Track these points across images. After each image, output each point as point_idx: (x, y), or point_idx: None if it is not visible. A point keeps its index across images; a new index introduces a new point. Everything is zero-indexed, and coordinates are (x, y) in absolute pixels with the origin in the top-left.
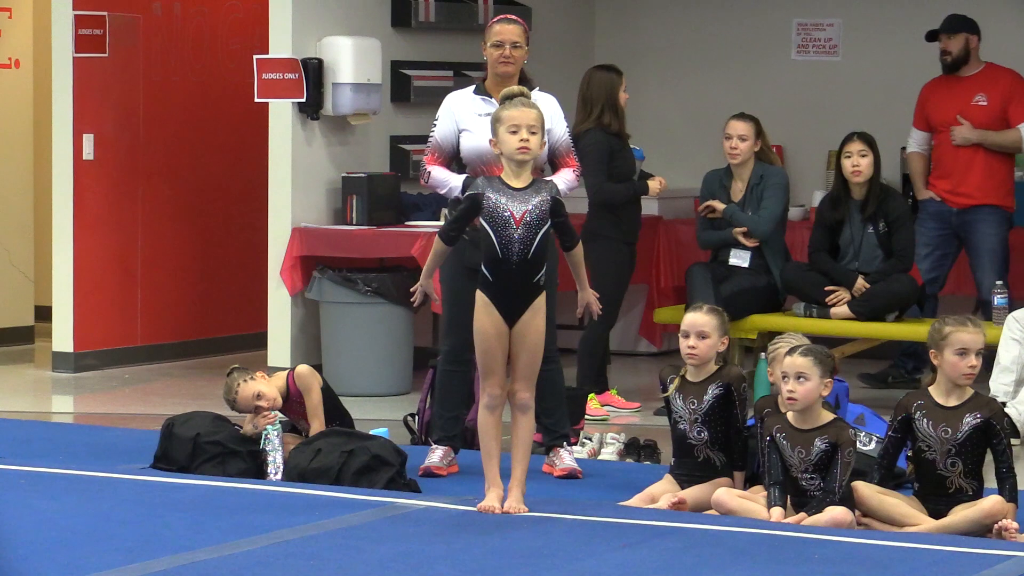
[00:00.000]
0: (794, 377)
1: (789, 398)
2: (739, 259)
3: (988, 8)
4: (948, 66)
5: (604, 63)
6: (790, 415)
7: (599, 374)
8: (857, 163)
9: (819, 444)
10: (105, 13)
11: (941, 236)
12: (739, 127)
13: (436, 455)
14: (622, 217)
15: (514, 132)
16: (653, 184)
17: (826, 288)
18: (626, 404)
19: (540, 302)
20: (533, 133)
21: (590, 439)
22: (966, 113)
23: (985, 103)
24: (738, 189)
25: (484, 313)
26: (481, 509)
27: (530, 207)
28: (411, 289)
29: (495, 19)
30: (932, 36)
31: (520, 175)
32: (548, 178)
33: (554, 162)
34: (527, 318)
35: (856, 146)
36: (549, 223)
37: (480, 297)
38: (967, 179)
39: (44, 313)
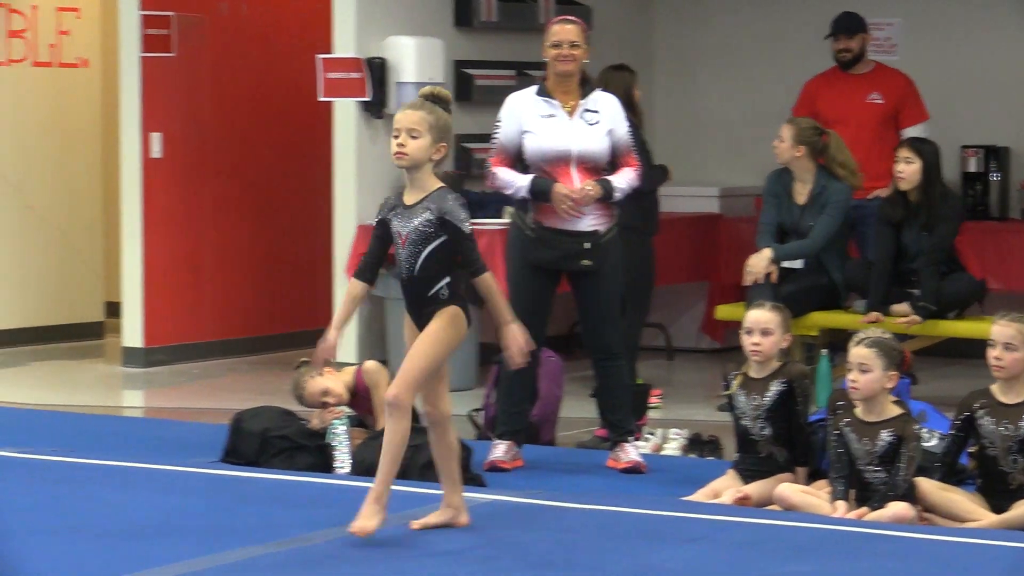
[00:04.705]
0: (857, 367)
1: (851, 387)
2: (793, 263)
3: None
4: (846, 64)
5: (617, 63)
6: (858, 408)
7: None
8: (902, 169)
9: (885, 437)
10: (172, 13)
11: None
12: (783, 128)
13: (500, 449)
14: (646, 209)
15: (395, 136)
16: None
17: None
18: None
19: (442, 311)
20: (414, 136)
21: (653, 434)
22: (861, 110)
23: (881, 101)
24: (800, 192)
25: (405, 325)
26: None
27: (411, 227)
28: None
29: (554, 20)
30: (834, 33)
31: (412, 186)
32: (445, 192)
33: (616, 161)
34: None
35: (903, 152)
36: (440, 239)
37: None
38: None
39: (114, 309)
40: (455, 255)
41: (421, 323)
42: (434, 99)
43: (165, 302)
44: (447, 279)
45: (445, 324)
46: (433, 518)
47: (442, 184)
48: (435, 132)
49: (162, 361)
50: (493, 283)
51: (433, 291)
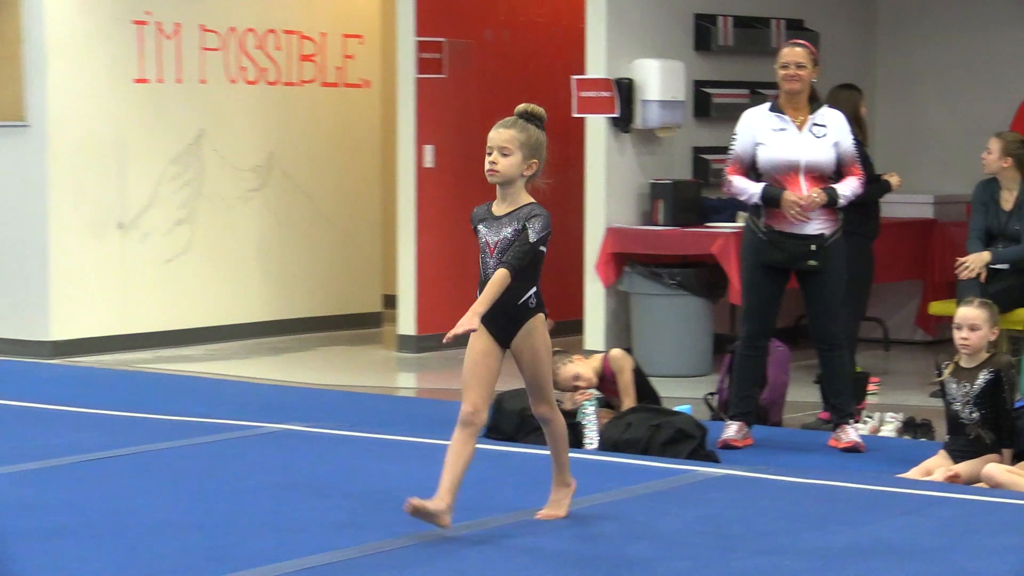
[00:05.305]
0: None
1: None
2: (999, 264)
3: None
4: None
5: (845, 83)
6: None
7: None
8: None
9: None
10: (443, 39)
11: None
12: (991, 141)
13: (732, 429)
14: (868, 216)
15: (488, 154)
16: (895, 179)
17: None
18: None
19: (533, 323)
20: (505, 155)
21: (872, 417)
22: None
23: None
24: (1006, 199)
25: (473, 337)
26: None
27: (501, 237)
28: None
29: (784, 43)
30: None
31: (504, 200)
32: (535, 207)
33: (841, 171)
34: (520, 339)
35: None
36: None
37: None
38: None
39: (390, 301)
40: (540, 265)
41: (506, 330)
42: (527, 117)
43: (435, 295)
44: (534, 288)
45: (545, 336)
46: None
47: (533, 200)
48: (526, 149)
49: (432, 347)
50: (502, 281)
51: (522, 300)
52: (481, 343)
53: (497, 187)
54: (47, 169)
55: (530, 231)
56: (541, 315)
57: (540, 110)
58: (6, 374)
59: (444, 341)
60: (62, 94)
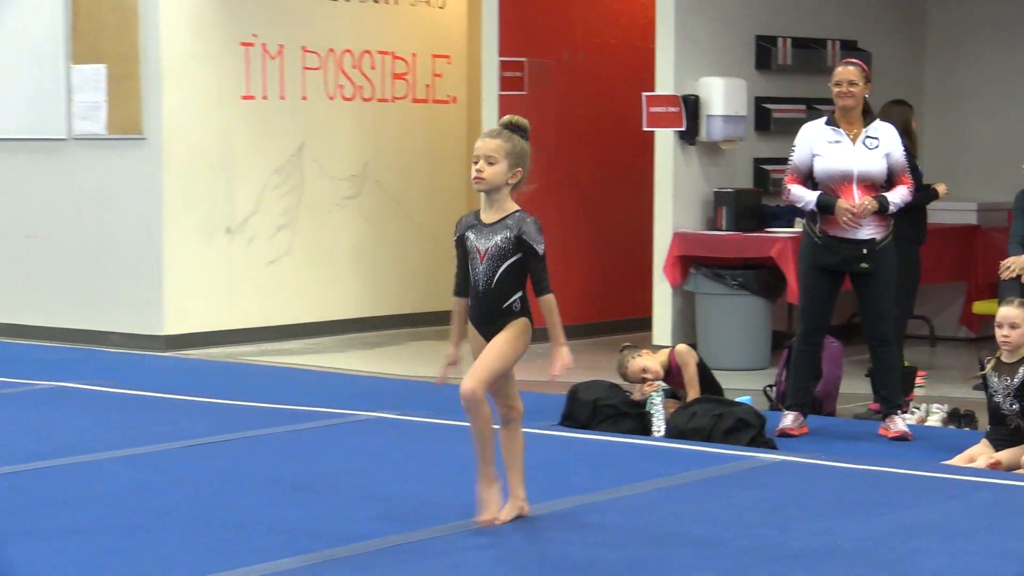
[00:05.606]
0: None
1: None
2: None
3: None
4: None
5: (896, 98)
6: None
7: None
8: None
9: None
10: (524, 59)
11: None
12: None
13: (789, 418)
14: (916, 222)
15: (475, 162)
16: (942, 188)
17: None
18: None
19: (514, 322)
20: (491, 163)
21: (919, 408)
22: None
23: None
24: None
25: (471, 336)
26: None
27: (492, 244)
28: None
29: (838, 62)
30: None
31: (491, 207)
32: (524, 215)
33: (892, 180)
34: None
35: None
36: (516, 256)
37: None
38: None
39: None
40: (527, 272)
41: (491, 332)
42: (513, 127)
43: None
44: (520, 293)
45: (518, 333)
46: (504, 513)
47: (519, 208)
48: (511, 158)
49: None
50: (554, 305)
51: (507, 304)
52: (475, 348)
53: (483, 195)
54: (162, 178)
55: (535, 246)
56: (524, 320)
57: (524, 121)
58: (124, 365)
59: (439, 383)
60: (176, 110)
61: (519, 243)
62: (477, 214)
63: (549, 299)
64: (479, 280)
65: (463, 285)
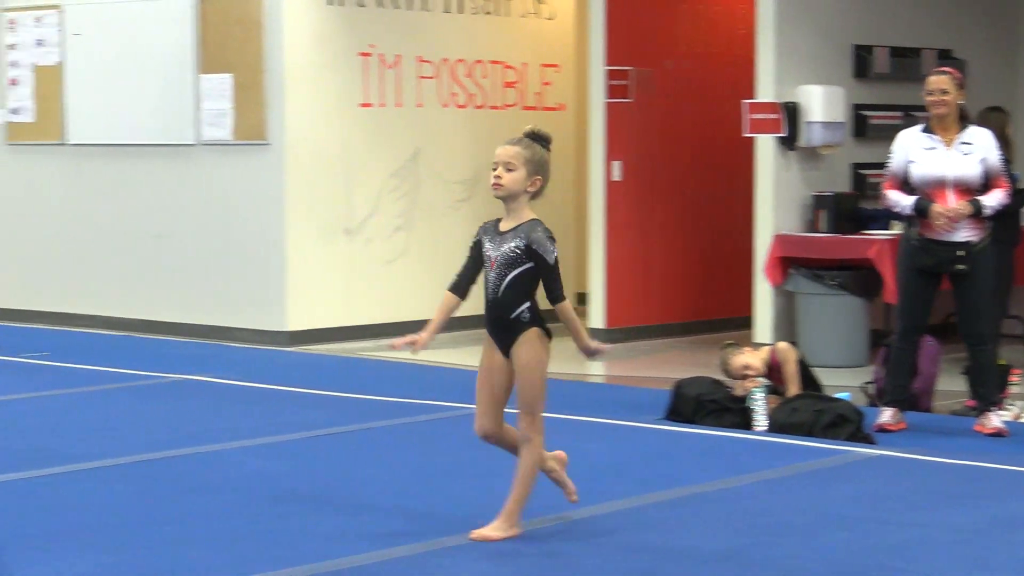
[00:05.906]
0: None
1: None
2: None
3: None
4: None
5: (992, 105)
6: None
7: None
8: None
9: None
10: (630, 68)
11: None
12: None
13: (887, 414)
14: (1010, 225)
15: (494, 169)
16: None
17: None
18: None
19: (525, 336)
20: (510, 170)
21: (1014, 405)
22: None
23: None
24: None
25: (485, 346)
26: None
27: (501, 252)
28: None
29: (931, 71)
30: None
31: (509, 215)
32: (536, 224)
33: (988, 184)
34: (513, 350)
35: None
36: (526, 265)
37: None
38: None
39: (582, 298)
40: (537, 282)
41: (504, 342)
42: (534, 136)
43: (622, 293)
44: (528, 303)
45: (535, 349)
46: (490, 530)
47: (534, 216)
48: (530, 166)
49: (620, 339)
50: (570, 310)
51: (515, 314)
52: (488, 358)
53: (503, 202)
54: (285, 182)
55: (545, 256)
56: (536, 330)
57: (547, 132)
58: (250, 360)
59: (391, 347)
60: (298, 117)
61: (529, 252)
62: (497, 222)
63: (564, 306)
64: (489, 288)
65: (459, 282)
